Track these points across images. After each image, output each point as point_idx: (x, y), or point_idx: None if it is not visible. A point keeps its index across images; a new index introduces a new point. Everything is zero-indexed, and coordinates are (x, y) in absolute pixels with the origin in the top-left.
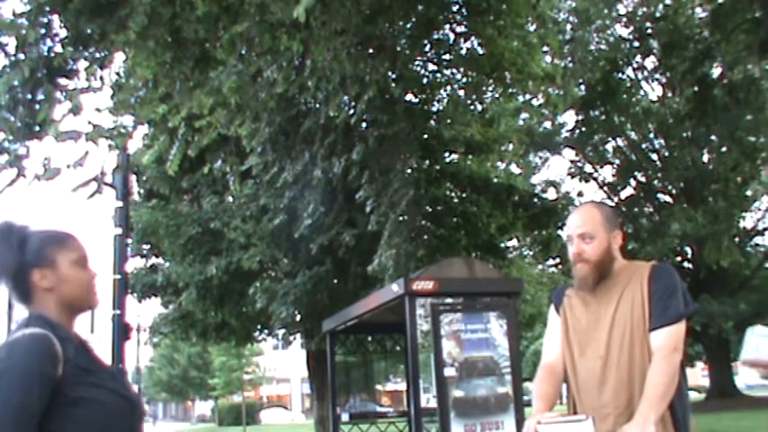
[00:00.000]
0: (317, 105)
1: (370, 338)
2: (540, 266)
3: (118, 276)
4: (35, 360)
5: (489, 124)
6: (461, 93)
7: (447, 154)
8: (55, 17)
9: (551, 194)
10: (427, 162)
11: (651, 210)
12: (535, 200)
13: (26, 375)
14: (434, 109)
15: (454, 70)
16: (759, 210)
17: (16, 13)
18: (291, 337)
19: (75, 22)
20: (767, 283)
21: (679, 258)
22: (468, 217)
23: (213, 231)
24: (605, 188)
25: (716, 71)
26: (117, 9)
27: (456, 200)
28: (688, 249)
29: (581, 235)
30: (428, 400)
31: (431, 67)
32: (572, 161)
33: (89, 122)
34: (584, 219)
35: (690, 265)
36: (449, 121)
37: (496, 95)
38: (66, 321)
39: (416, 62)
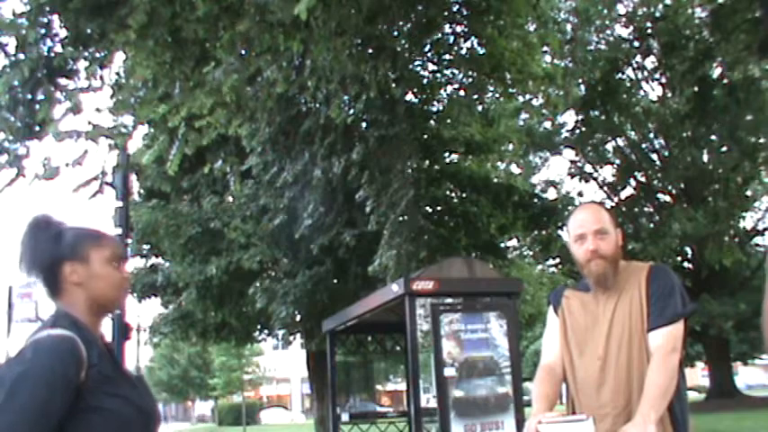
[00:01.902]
0: (317, 105)
1: (370, 338)
2: (540, 266)
3: None
4: (59, 363)
5: (489, 124)
6: (461, 93)
7: (447, 154)
8: (55, 17)
9: (551, 194)
10: (427, 162)
11: (651, 210)
12: (535, 200)
13: (49, 378)
14: (434, 109)
15: (454, 70)
16: (759, 210)
17: (16, 13)
18: (291, 337)
19: (75, 21)
20: None
21: (679, 258)
22: (469, 217)
23: (213, 231)
24: (605, 188)
25: (716, 71)
26: (117, 9)
27: (456, 200)
28: (688, 249)
29: (597, 231)
30: (428, 400)
31: (431, 67)
32: (572, 161)
33: (89, 122)
34: (596, 216)
35: (690, 266)
36: (449, 121)
37: (496, 95)
38: (92, 321)
39: (416, 62)
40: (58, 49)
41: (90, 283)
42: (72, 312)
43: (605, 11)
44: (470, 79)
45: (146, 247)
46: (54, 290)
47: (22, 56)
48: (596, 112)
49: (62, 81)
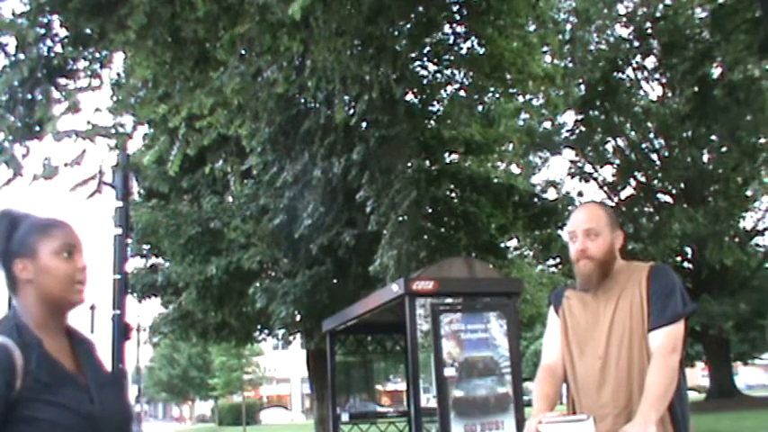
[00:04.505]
0: (317, 105)
1: (370, 338)
2: (540, 266)
3: (118, 276)
4: None
5: (489, 124)
6: (461, 93)
7: (447, 154)
8: (55, 17)
9: (551, 194)
10: (427, 162)
11: (651, 210)
12: (535, 200)
13: None
14: (434, 109)
15: (454, 70)
16: (759, 210)
17: (16, 13)
18: (291, 337)
19: (75, 21)
20: (767, 283)
21: (679, 258)
22: (469, 217)
23: (213, 231)
24: (605, 188)
25: (716, 71)
26: (116, 8)
27: (456, 200)
28: (688, 249)
29: (586, 230)
30: (428, 400)
31: (431, 67)
32: (572, 161)
33: (88, 122)
34: (589, 216)
35: (690, 266)
36: (449, 121)
37: (496, 95)
38: (47, 319)
39: (416, 62)
40: (58, 49)
41: (38, 278)
42: (22, 312)
43: (605, 11)
44: (470, 79)
45: (146, 247)
46: (11, 288)
47: (21, 56)
48: (596, 112)
49: (62, 81)
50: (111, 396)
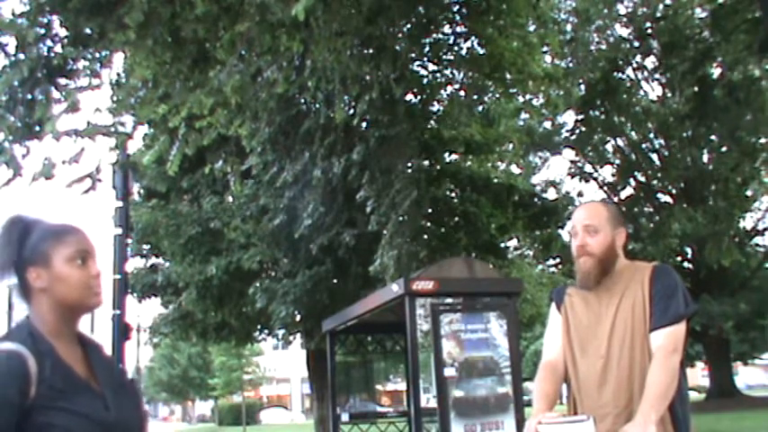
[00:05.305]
0: (317, 105)
1: (370, 338)
2: (540, 266)
3: (118, 276)
4: None
5: (489, 124)
6: (461, 93)
7: (447, 154)
8: (55, 17)
9: (551, 194)
10: (427, 162)
11: (651, 210)
12: (535, 200)
13: None
14: (434, 109)
15: (454, 70)
16: (759, 210)
17: (16, 13)
18: (291, 337)
19: (75, 21)
20: (767, 283)
21: (679, 258)
22: (469, 217)
23: (213, 231)
24: (605, 188)
25: (716, 71)
26: (116, 8)
27: (456, 200)
28: (688, 249)
29: (586, 227)
30: (428, 400)
31: (431, 67)
32: (572, 161)
33: (88, 122)
34: (590, 213)
35: (690, 266)
36: (449, 121)
37: (496, 95)
38: (61, 325)
39: (416, 62)
40: (58, 49)
41: (53, 286)
42: (35, 320)
43: (605, 11)
44: (470, 79)
45: (146, 247)
46: (24, 295)
47: (21, 56)
48: (596, 112)
49: (62, 81)
50: (126, 402)
